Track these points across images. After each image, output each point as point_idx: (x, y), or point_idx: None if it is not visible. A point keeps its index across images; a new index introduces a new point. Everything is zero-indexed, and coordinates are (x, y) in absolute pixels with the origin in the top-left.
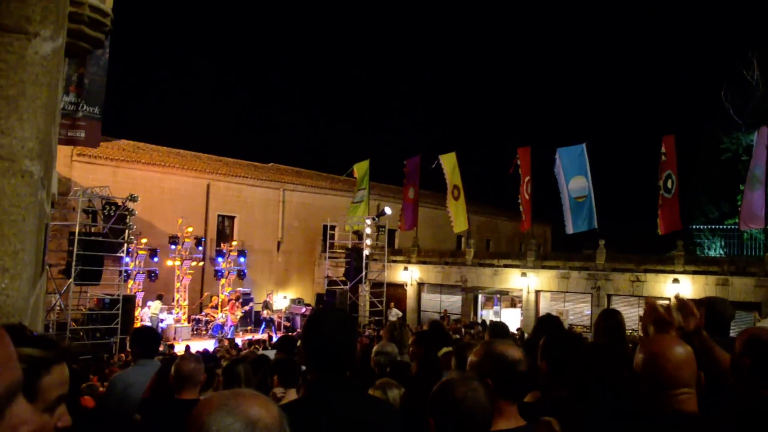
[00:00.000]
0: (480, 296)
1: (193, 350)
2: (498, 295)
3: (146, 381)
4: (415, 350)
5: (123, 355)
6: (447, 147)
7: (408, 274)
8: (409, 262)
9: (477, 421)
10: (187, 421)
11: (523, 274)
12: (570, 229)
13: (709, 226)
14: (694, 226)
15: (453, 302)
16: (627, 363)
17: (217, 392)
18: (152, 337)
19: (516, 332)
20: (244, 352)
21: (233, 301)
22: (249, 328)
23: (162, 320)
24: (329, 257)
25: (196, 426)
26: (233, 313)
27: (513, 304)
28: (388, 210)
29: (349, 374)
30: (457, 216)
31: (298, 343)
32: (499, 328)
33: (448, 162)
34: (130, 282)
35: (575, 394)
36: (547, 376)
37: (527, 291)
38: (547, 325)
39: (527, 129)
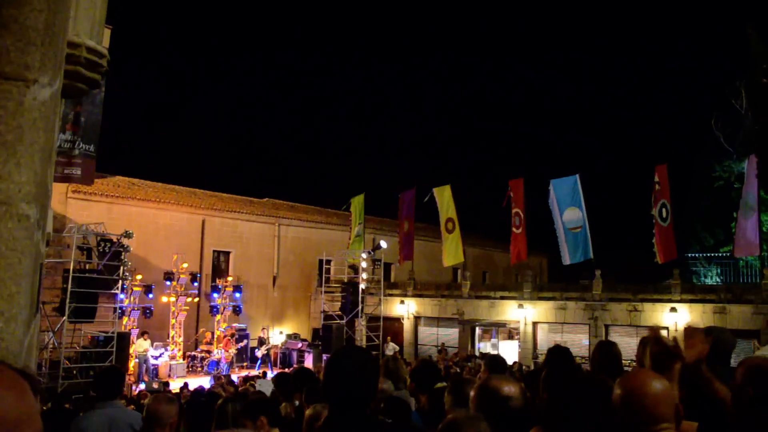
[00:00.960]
0: (477, 329)
1: (191, 387)
2: (495, 328)
3: (104, 425)
4: (412, 386)
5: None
6: (441, 179)
7: (404, 308)
8: (405, 295)
9: None
10: None
11: (520, 306)
12: (567, 260)
13: (705, 254)
14: (689, 255)
15: (450, 335)
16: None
17: None
18: (112, 377)
19: (513, 364)
20: (241, 388)
21: (228, 338)
22: (245, 364)
23: (154, 357)
24: (325, 291)
25: None
26: (227, 350)
27: (510, 336)
28: (383, 243)
29: (369, 411)
30: (451, 249)
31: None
32: (497, 362)
33: (442, 195)
34: (125, 319)
35: (571, 429)
36: (548, 410)
37: (524, 323)
38: (556, 357)
39: (521, 160)
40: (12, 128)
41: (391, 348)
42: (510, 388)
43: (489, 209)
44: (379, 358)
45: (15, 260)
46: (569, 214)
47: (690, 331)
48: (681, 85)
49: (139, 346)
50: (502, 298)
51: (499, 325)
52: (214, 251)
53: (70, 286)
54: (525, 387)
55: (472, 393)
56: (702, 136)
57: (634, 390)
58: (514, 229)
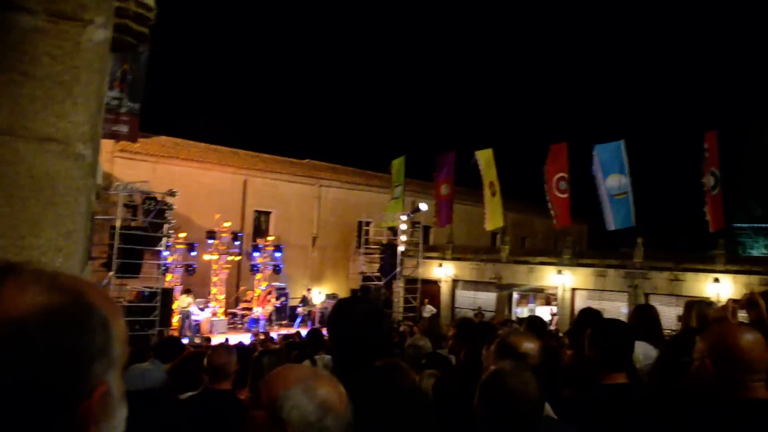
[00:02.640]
0: (515, 294)
1: (231, 343)
2: (533, 293)
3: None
4: (456, 343)
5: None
6: (483, 143)
7: (442, 271)
8: (443, 258)
9: (527, 413)
10: (261, 386)
11: (559, 272)
12: (611, 226)
13: (753, 225)
14: (736, 225)
15: (487, 299)
16: (672, 351)
17: (296, 366)
18: (172, 346)
19: (553, 330)
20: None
21: (265, 294)
22: (284, 322)
23: (194, 314)
24: (364, 253)
25: (270, 397)
26: (264, 307)
27: (548, 302)
28: (423, 206)
29: (379, 363)
30: (494, 213)
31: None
32: (536, 323)
33: (484, 158)
34: (169, 276)
35: (633, 380)
36: (599, 365)
37: (563, 289)
38: (588, 318)
39: (564, 124)
40: (69, 68)
41: (428, 310)
42: (528, 344)
43: (529, 174)
44: (390, 313)
45: (72, 198)
46: (613, 181)
47: (752, 298)
48: (735, 50)
49: (183, 301)
50: (541, 263)
51: (537, 291)
52: (255, 211)
53: (116, 242)
54: (569, 344)
55: (492, 347)
56: (756, 102)
57: (728, 339)
58: (558, 193)
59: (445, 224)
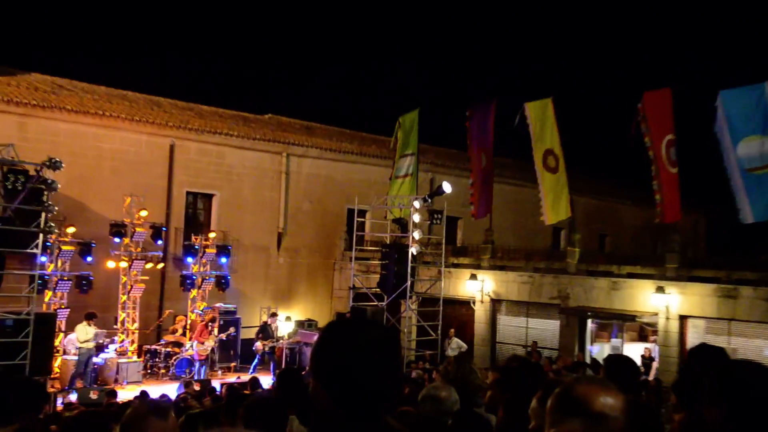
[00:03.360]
0: (590, 322)
1: (151, 397)
2: (618, 322)
3: None
4: (496, 395)
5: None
6: (535, 91)
7: (477, 286)
8: (478, 266)
9: None
10: None
11: (660, 290)
12: (747, 218)
13: None
14: None
15: (546, 330)
16: None
17: None
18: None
19: (651, 380)
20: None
21: (204, 325)
22: (233, 365)
23: (99, 352)
24: (357, 258)
25: None
26: (202, 343)
27: (642, 336)
28: (447, 187)
29: (392, 423)
30: (555, 198)
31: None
32: (622, 367)
33: (538, 113)
34: (48, 294)
35: None
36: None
37: (666, 316)
38: (707, 360)
39: (661, 62)
40: None
41: (455, 345)
42: (608, 399)
43: (612, 138)
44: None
45: None
46: (748, 147)
47: None
48: None
49: (82, 332)
50: (631, 275)
51: (625, 318)
52: (188, 193)
53: None
54: (676, 402)
55: (549, 401)
56: None
57: None
58: (670, 167)
59: (483, 215)
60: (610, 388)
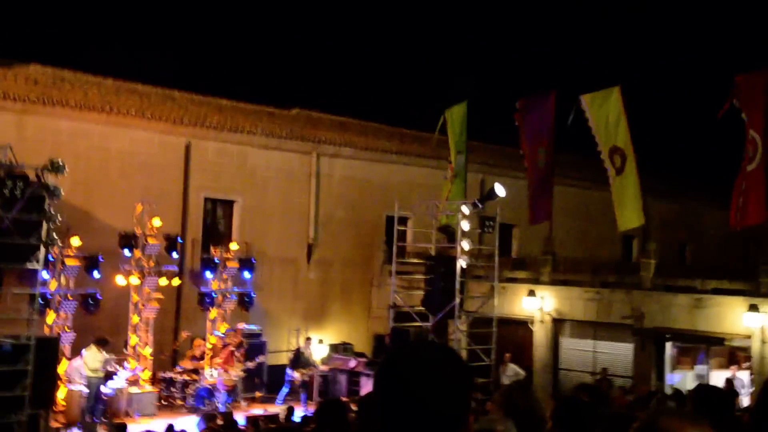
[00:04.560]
0: (669, 346)
1: None
2: (704, 346)
3: None
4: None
5: None
6: (598, 80)
7: (536, 303)
8: (537, 281)
9: None
10: None
11: (753, 308)
12: None
13: None
14: None
15: (618, 355)
16: None
17: None
18: None
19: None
20: None
21: (230, 350)
22: (258, 395)
23: (108, 380)
24: (398, 272)
25: None
26: (228, 371)
27: (734, 362)
28: (500, 189)
29: None
30: (626, 201)
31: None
32: (711, 399)
33: (602, 105)
34: (51, 315)
35: None
36: None
37: (761, 339)
38: None
39: (753, 43)
40: None
41: (511, 372)
42: None
43: (693, 130)
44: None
45: None
46: None
47: None
48: None
49: (91, 360)
50: (718, 291)
51: (711, 341)
52: (206, 199)
53: None
54: None
55: None
56: None
57: None
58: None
59: (541, 221)
60: (701, 422)
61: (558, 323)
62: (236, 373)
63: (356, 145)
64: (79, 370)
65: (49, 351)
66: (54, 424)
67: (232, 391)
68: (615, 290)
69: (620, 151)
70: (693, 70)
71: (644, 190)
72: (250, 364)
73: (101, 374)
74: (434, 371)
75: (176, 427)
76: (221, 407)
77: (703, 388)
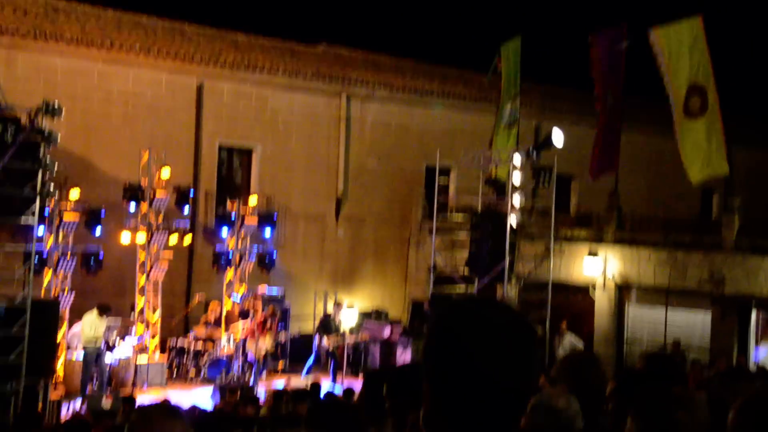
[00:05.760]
0: (754, 316)
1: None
2: None
3: None
4: (618, 407)
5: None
6: (669, 10)
7: (598, 266)
8: (600, 240)
9: None
10: None
11: None
12: None
13: None
14: None
15: (693, 326)
16: None
17: None
18: None
19: None
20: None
21: (262, 320)
22: (280, 365)
23: (111, 349)
24: (438, 230)
25: None
26: (259, 341)
27: None
28: (557, 136)
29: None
30: (702, 149)
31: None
32: None
33: (678, 39)
34: (48, 274)
35: None
36: None
37: None
38: None
39: None
40: None
41: (568, 343)
42: None
43: None
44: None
45: None
46: None
47: None
48: None
49: (90, 327)
50: None
51: None
52: (221, 147)
53: None
54: None
55: (729, 416)
56: None
57: None
58: None
59: (605, 172)
60: None
61: (623, 289)
62: (267, 344)
63: (391, 85)
64: (78, 336)
65: (47, 315)
66: (53, 396)
67: (264, 363)
68: (691, 251)
69: (700, 90)
70: None
71: (727, 137)
72: (283, 336)
73: (100, 344)
74: (501, 337)
75: (187, 400)
76: (254, 380)
77: None
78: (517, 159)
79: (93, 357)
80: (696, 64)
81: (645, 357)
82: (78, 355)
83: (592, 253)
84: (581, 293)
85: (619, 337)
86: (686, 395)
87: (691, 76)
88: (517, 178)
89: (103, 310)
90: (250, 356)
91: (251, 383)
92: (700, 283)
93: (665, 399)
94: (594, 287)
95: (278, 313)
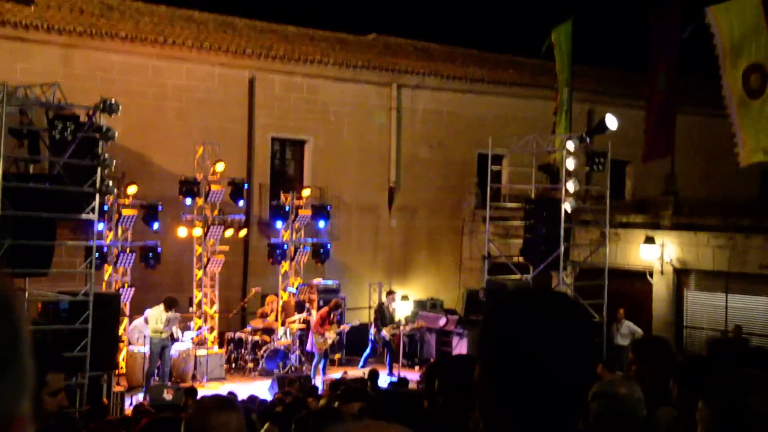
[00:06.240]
0: None
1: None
2: None
3: None
4: (681, 395)
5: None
6: None
7: (655, 252)
8: (657, 226)
9: None
10: None
11: None
12: None
13: None
14: None
15: (755, 311)
16: None
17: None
18: None
19: None
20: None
21: (325, 313)
22: (336, 356)
23: (174, 341)
24: (492, 218)
25: None
26: (322, 334)
27: None
28: (611, 121)
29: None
30: (759, 130)
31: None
32: None
33: (736, 15)
34: (108, 269)
35: None
36: None
37: None
38: None
39: None
40: None
41: (626, 330)
42: None
43: None
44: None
45: None
46: None
47: None
48: None
49: (154, 321)
50: None
51: None
52: (273, 139)
53: None
54: None
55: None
56: None
57: None
58: None
59: (661, 156)
60: None
61: (682, 274)
62: (331, 336)
63: (442, 74)
64: (140, 329)
65: (108, 309)
66: (116, 388)
67: (325, 355)
68: (751, 235)
69: (760, 69)
70: None
71: None
72: (345, 328)
73: (164, 335)
74: (557, 328)
75: (246, 392)
76: (321, 372)
77: None
78: (571, 144)
79: (158, 349)
80: (754, 41)
81: (710, 342)
82: (139, 348)
83: (649, 239)
84: (638, 279)
85: (678, 324)
86: (758, 376)
87: (752, 52)
88: (570, 163)
89: (170, 304)
90: (308, 347)
91: (320, 373)
92: (761, 267)
93: (738, 381)
94: (651, 273)
95: (342, 305)
